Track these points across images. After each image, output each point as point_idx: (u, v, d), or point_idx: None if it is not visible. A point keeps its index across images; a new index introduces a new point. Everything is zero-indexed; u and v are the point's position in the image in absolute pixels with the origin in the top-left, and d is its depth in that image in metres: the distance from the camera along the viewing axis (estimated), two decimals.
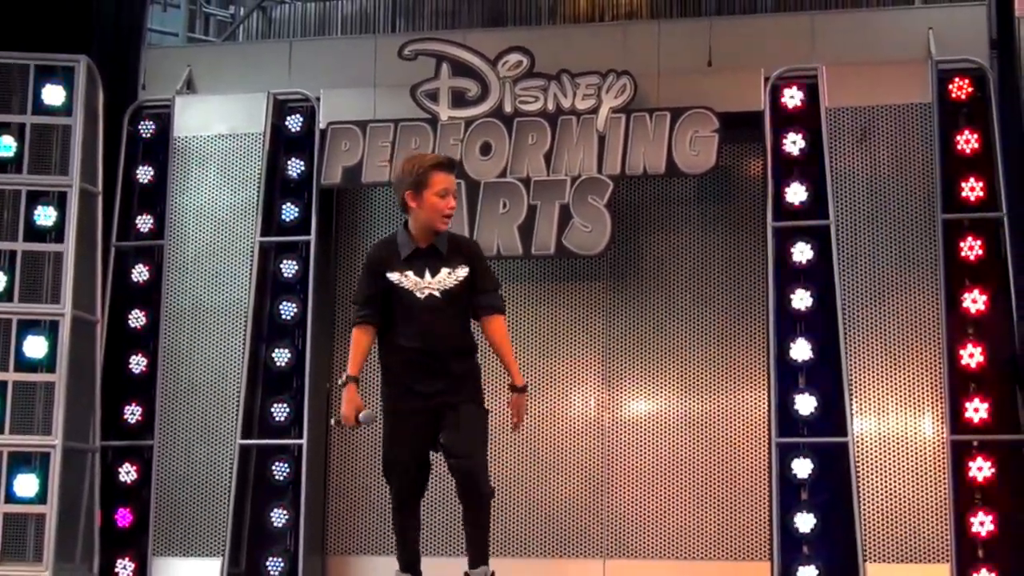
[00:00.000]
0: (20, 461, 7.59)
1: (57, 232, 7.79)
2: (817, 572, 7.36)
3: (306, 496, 7.93)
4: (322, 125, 8.37)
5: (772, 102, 7.95)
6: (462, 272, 5.00)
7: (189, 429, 8.25)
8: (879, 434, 7.61)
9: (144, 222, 8.54)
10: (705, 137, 7.85)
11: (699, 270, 8.31)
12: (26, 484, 7.55)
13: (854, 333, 7.64)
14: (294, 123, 8.47)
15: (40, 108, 7.90)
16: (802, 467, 7.49)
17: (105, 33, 8.69)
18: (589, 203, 7.96)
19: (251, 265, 8.24)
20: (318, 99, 8.46)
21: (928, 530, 7.41)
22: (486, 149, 8.17)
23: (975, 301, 7.46)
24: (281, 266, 8.28)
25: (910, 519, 7.48)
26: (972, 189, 7.62)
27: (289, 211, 8.37)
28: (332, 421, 5.26)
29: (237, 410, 8.05)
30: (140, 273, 8.46)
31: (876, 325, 7.68)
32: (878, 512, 7.50)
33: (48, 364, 7.61)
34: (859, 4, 9.33)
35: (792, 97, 7.97)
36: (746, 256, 8.21)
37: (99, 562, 7.75)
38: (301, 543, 7.89)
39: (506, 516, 7.98)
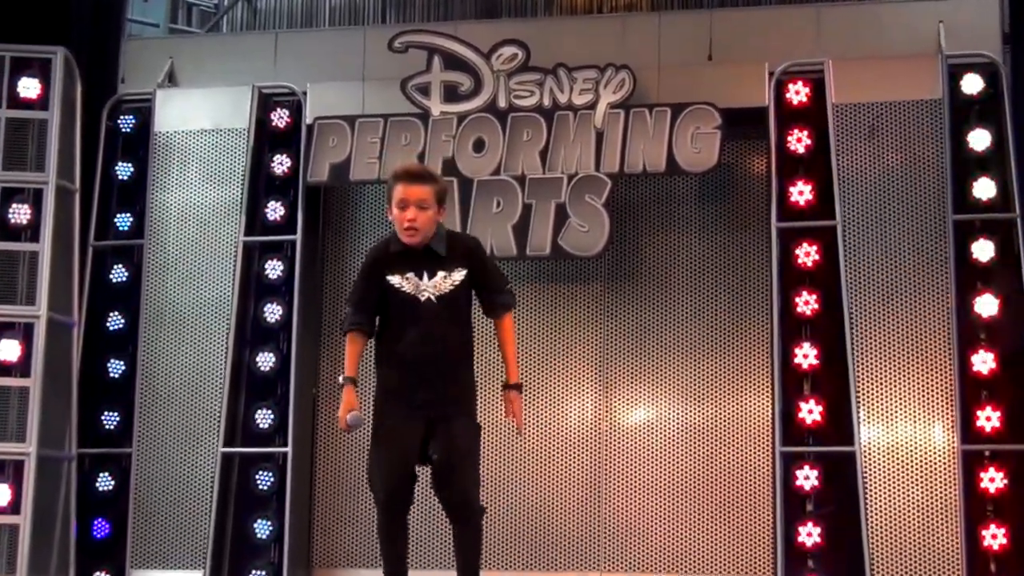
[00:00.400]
0: None
1: (32, 231, 7.77)
2: None
3: (291, 507, 7.92)
4: (309, 120, 8.36)
5: (777, 98, 7.95)
6: (459, 275, 5.01)
7: (169, 436, 8.24)
8: (887, 443, 7.61)
9: (123, 220, 8.55)
10: (707, 134, 7.85)
11: (700, 272, 8.31)
12: None
13: (861, 338, 7.65)
14: (279, 118, 8.47)
15: (15, 102, 7.87)
16: (807, 477, 7.49)
17: (83, 23, 8.68)
18: (586, 202, 7.96)
19: (234, 266, 8.24)
20: (305, 93, 8.46)
21: (938, 544, 7.41)
22: (479, 145, 8.17)
23: (987, 305, 7.45)
24: (266, 267, 8.27)
25: (919, 532, 7.48)
26: (984, 189, 7.62)
27: (274, 209, 8.36)
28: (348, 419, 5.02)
29: (219, 417, 8.04)
30: (119, 274, 8.47)
31: (884, 330, 7.68)
32: (886, 525, 7.50)
33: (22, 368, 7.59)
34: None
35: (797, 93, 7.97)
36: (749, 258, 8.21)
37: (75, 575, 7.74)
38: (285, 556, 7.85)
39: (499, 528, 8.01)
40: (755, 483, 7.99)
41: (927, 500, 7.50)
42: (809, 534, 7.44)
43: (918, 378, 7.66)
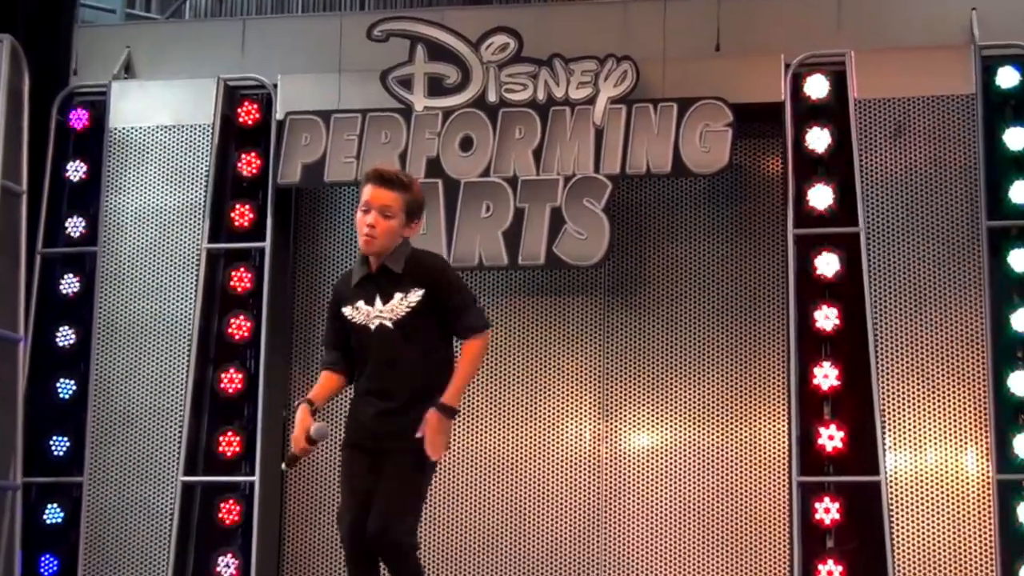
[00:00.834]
0: None
1: None
2: None
3: (258, 541, 7.90)
4: (279, 115, 8.38)
5: (793, 92, 7.95)
6: (415, 297, 4.89)
7: (124, 464, 8.23)
8: (915, 472, 7.61)
9: (75, 226, 8.53)
10: (717, 132, 7.85)
11: (709, 284, 8.29)
12: None
13: (887, 356, 7.66)
14: (247, 113, 8.48)
15: None
16: (827, 510, 7.47)
17: (31, 9, 8.62)
18: (584, 206, 7.94)
19: (197, 275, 8.23)
20: (275, 85, 8.47)
21: None
22: (467, 144, 8.16)
23: None
24: (231, 277, 8.26)
25: (951, 570, 7.46)
26: (1021, 192, 7.60)
27: (241, 214, 8.35)
28: (283, 465, 5.10)
29: (179, 442, 8.04)
30: (69, 284, 8.45)
31: (912, 347, 7.69)
32: (914, 561, 7.48)
33: None
34: None
35: (816, 87, 7.96)
36: (763, 268, 8.23)
37: None
38: None
39: (491, 563, 7.92)
40: (770, 517, 7.99)
41: (959, 535, 7.49)
42: (830, 573, 7.37)
43: (950, 401, 7.65)
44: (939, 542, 7.48)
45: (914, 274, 7.74)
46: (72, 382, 8.31)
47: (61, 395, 8.29)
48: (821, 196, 7.80)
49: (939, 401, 7.64)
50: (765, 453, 8.07)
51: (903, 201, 7.82)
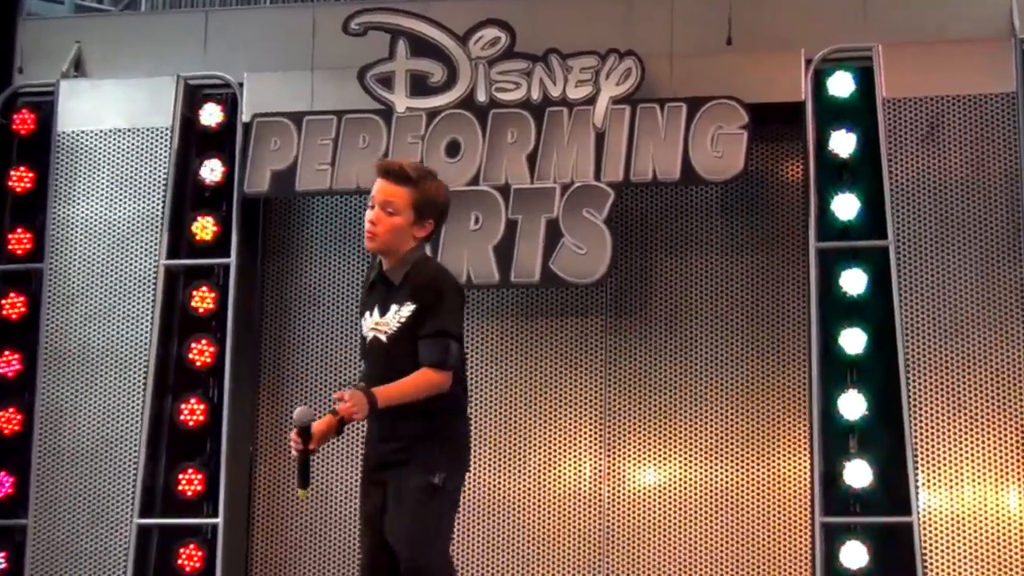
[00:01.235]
0: None
1: None
2: None
3: None
4: (246, 117, 8.36)
5: (815, 90, 7.95)
6: (406, 311, 4.85)
7: (73, 504, 8.18)
8: (952, 513, 7.57)
9: (19, 240, 8.49)
10: (731, 135, 7.83)
11: (723, 304, 8.27)
12: None
13: (920, 384, 7.63)
14: (210, 115, 8.45)
15: None
16: (854, 553, 7.43)
17: None
18: (584, 218, 7.91)
19: (154, 295, 8.21)
20: (241, 84, 8.46)
21: None
22: (453, 149, 8.12)
23: None
24: (192, 296, 8.23)
25: None
26: None
27: (203, 227, 8.31)
28: (298, 491, 5.00)
29: (135, 480, 8.00)
30: (13, 305, 8.42)
31: (947, 374, 7.65)
32: None
33: None
34: None
35: (840, 84, 7.94)
36: (783, 286, 8.20)
37: None
38: None
39: None
40: (790, 562, 7.97)
41: None
42: None
43: (989, 433, 7.61)
44: None
45: (949, 292, 7.70)
46: (15, 414, 8.26)
47: (2, 429, 8.24)
48: (846, 206, 7.78)
49: (978, 434, 7.59)
50: (785, 491, 8.04)
51: (937, 211, 7.79)
